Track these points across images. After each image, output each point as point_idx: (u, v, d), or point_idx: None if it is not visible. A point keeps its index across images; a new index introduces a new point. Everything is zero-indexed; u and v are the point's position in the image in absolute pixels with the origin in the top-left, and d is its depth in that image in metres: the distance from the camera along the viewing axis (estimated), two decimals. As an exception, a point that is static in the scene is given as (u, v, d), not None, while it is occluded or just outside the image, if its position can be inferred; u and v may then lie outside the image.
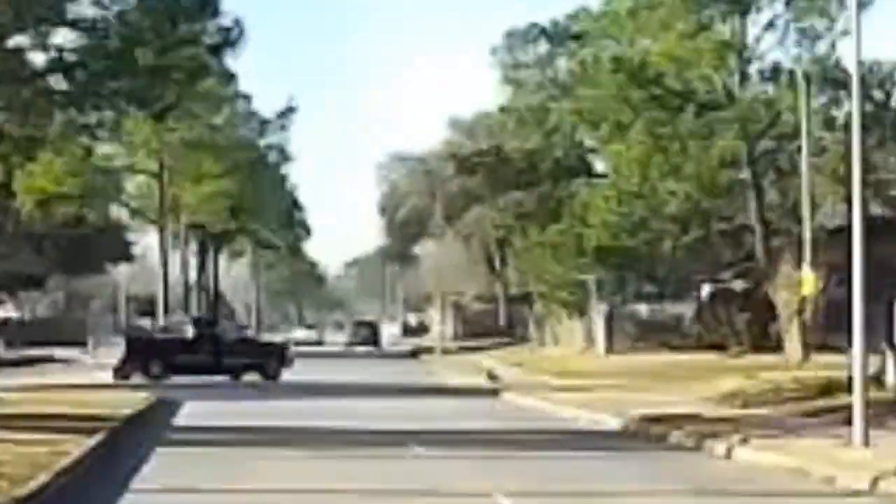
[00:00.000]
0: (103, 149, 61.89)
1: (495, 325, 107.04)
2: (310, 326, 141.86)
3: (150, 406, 33.66)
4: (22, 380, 46.39)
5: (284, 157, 79.09)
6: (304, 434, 26.50)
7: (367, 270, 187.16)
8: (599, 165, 71.33)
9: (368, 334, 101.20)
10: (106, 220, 73.60)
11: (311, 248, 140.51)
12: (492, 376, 52.07)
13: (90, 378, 48.67)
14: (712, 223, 58.12)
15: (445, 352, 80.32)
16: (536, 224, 68.27)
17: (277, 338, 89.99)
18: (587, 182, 67.91)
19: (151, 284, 76.49)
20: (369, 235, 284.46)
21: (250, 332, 57.57)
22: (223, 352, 47.89)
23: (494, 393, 41.90)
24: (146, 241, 75.86)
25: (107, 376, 48.16)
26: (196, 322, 51.06)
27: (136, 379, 46.92)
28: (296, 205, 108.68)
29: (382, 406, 36.10)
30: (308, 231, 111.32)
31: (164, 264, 65.78)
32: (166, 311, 73.56)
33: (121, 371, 47.78)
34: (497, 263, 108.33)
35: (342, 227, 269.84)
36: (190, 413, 32.71)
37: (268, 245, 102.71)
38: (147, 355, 47.68)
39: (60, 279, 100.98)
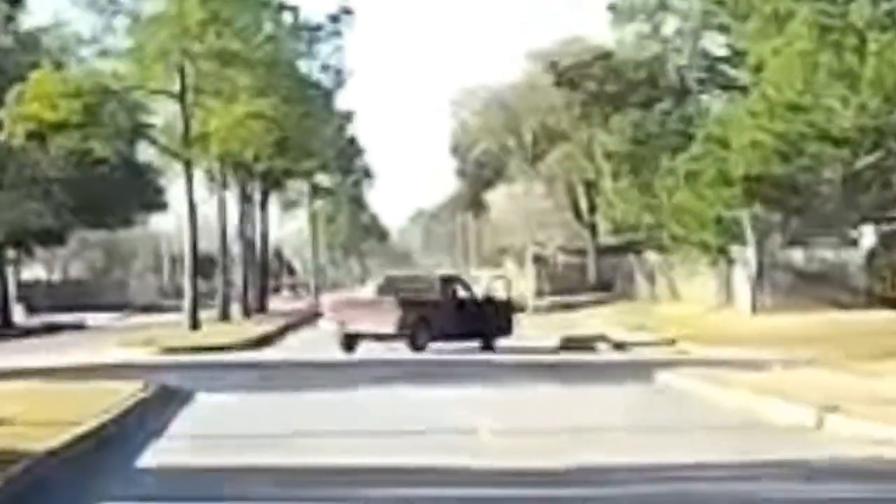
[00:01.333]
0: (107, 65, 49.77)
1: (583, 279, 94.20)
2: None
3: (138, 406, 21.42)
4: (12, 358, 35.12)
5: (339, 80, 65.75)
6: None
7: (434, 223, 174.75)
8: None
9: None
10: (127, 160, 61.33)
11: (374, 198, 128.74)
12: (618, 345, 39.67)
13: (102, 355, 37.25)
14: (891, 144, 45.05)
15: (537, 310, 67.81)
16: (658, 151, 55.19)
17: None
18: (724, 95, 54.94)
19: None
20: (435, 185, 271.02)
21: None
22: (471, 313, 39.57)
23: (637, 370, 29.28)
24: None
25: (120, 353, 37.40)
26: (444, 280, 42.22)
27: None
28: (353, 144, 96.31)
29: (500, 400, 23.84)
30: (369, 175, 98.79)
31: (192, 210, 52.89)
32: (224, 270, 61.46)
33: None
34: (584, 210, 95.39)
35: (406, 175, 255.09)
36: (196, 419, 20.57)
37: (325, 191, 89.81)
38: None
39: (87, 234, 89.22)
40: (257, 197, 68.33)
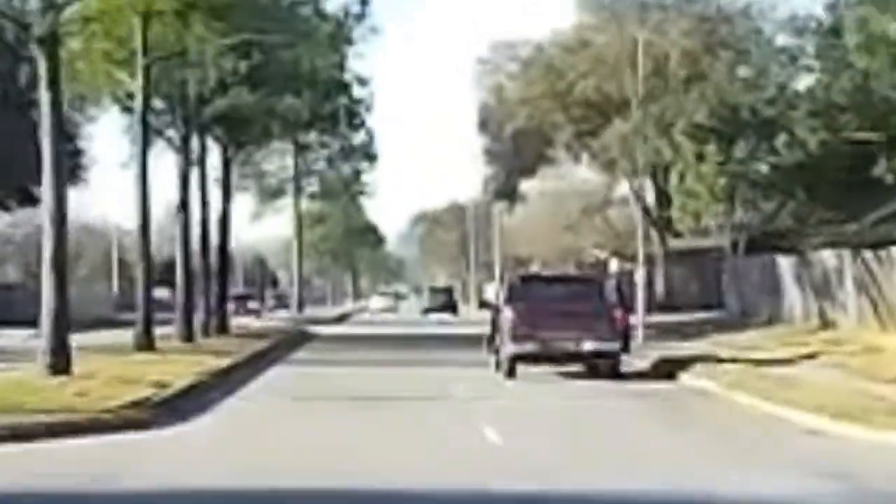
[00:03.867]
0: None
1: (649, 294, 72.93)
2: (385, 294, 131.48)
3: None
4: None
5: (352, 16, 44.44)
6: None
7: (436, 228, 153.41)
8: None
9: (445, 300, 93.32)
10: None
11: (370, 200, 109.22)
12: None
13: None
14: None
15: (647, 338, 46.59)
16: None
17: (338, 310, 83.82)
18: None
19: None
20: (441, 185, 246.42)
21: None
22: None
23: None
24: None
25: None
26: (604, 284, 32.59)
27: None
28: (357, 117, 74.94)
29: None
30: (371, 159, 77.35)
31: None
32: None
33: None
34: (652, 205, 74.12)
35: (407, 173, 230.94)
36: None
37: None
38: None
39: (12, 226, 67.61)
40: (213, 163, 46.70)
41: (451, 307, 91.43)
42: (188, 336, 40.11)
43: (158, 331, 36.85)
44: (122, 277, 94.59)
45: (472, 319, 78.35)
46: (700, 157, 65.96)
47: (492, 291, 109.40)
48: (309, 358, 36.86)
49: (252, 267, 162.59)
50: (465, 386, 26.51)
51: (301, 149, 77.56)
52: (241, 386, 27.24)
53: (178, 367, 27.70)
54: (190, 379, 25.64)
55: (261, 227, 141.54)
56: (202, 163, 42.88)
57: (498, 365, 29.70)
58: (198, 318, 43.43)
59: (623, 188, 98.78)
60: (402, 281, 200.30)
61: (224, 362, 31.01)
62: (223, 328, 47.11)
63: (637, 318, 40.65)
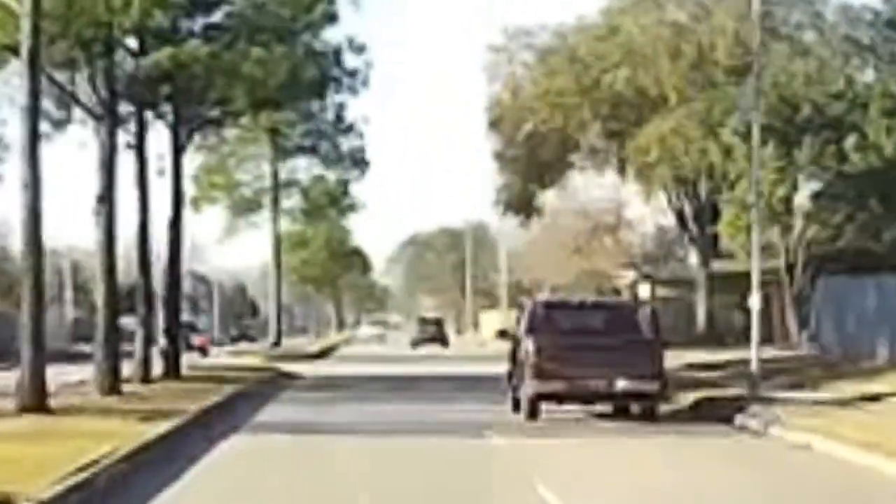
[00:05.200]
0: None
1: (688, 326, 62.03)
2: (376, 323, 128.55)
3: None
4: None
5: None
6: None
7: (427, 253, 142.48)
8: None
9: (435, 332, 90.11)
10: None
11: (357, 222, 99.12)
12: None
13: None
14: None
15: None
16: None
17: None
18: None
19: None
20: (430, 207, 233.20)
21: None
22: None
23: None
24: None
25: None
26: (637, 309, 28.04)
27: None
28: (343, 121, 64.02)
29: None
30: (363, 165, 66.16)
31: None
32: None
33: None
34: (690, 220, 63.06)
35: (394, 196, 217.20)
36: None
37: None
38: None
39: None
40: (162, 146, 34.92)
41: (441, 339, 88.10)
42: (112, 385, 28.85)
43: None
44: (78, 303, 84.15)
45: (470, 354, 67.22)
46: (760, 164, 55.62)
47: (496, 321, 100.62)
48: (286, 419, 25.53)
49: (232, 295, 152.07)
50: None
51: (280, 152, 66.42)
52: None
53: (52, 450, 16.30)
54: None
55: (240, 254, 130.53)
56: (140, 148, 31.53)
57: (517, 405, 26.12)
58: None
59: (636, 208, 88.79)
60: (386, 310, 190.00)
61: (144, 434, 19.64)
62: (173, 370, 35.71)
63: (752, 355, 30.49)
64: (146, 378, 31.86)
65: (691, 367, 42.84)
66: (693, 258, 76.93)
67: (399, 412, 26.81)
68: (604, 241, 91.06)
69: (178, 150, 35.18)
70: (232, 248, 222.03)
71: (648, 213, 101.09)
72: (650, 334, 25.78)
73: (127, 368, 31.01)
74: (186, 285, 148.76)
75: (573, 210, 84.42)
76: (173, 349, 35.72)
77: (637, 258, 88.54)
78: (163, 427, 20.75)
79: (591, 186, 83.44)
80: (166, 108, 33.90)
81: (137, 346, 32.26)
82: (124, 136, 32.70)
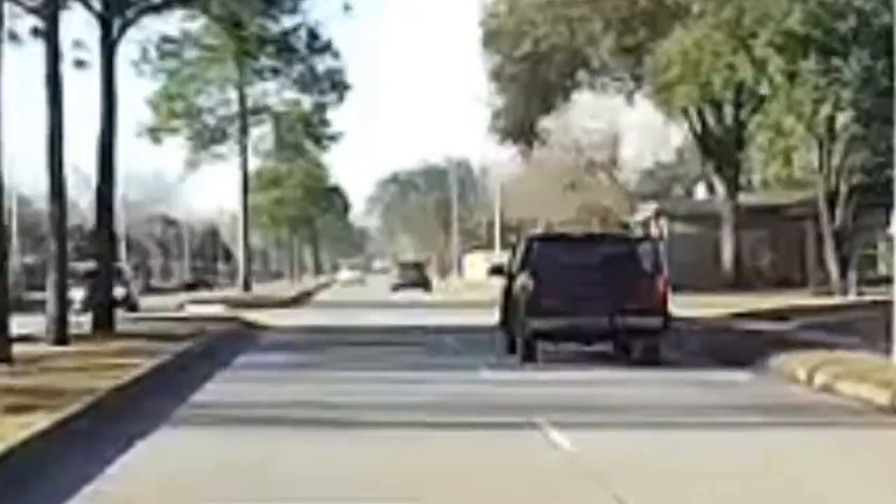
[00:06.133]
0: None
1: (715, 268, 54.84)
2: (355, 267, 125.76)
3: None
4: None
5: None
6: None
7: (410, 192, 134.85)
8: None
9: (417, 276, 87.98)
10: None
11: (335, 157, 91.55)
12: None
13: None
14: None
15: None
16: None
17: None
18: None
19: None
20: (416, 139, 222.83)
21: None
22: None
23: None
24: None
25: None
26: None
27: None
28: (319, 40, 56.36)
29: None
30: (342, 88, 58.52)
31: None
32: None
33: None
34: (713, 145, 55.62)
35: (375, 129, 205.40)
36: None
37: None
38: None
39: None
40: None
41: (423, 284, 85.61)
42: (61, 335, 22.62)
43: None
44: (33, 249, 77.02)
45: (454, 300, 59.73)
46: (793, 78, 48.64)
47: (481, 263, 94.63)
48: (233, 401, 18.10)
49: (203, 239, 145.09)
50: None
51: (248, 74, 58.71)
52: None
53: None
54: None
55: (214, 196, 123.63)
56: (51, 36, 23.77)
57: (512, 346, 25.18)
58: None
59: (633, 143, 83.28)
60: (365, 254, 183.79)
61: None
62: (104, 324, 28.17)
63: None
64: (61, 338, 24.35)
65: (740, 317, 35.58)
66: (702, 192, 70.01)
67: (374, 387, 19.61)
68: (598, 177, 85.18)
69: (110, 47, 27.49)
70: (205, 191, 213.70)
71: (648, 147, 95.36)
72: (652, 268, 24.66)
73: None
74: (157, 229, 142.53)
75: (564, 145, 78.27)
76: (104, 298, 28.18)
77: (635, 196, 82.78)
78: (28, 430, 13.19)
79: (585, 119, 77.48)
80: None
81: (49, 295, 24.71)
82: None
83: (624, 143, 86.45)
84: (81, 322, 28.72)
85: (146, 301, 52.31)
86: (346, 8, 36.25)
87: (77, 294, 30.43)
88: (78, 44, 26.55)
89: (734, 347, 26.00)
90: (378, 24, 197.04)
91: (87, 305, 28.88)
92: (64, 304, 24.74)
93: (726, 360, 24.07)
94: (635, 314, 23.74)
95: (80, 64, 26.76)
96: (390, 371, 22.48)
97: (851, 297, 44.74)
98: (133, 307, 42.63)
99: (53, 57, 23.98)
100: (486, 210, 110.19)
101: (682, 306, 38.91)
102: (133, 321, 34.24)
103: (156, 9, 28.27)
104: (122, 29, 27.81)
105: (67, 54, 26.01)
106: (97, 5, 27.24)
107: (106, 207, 28.49)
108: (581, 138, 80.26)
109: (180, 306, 50.04)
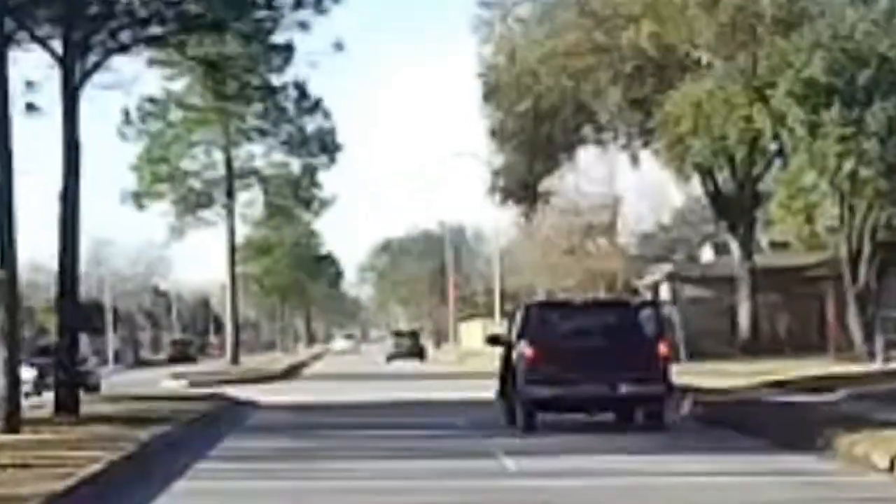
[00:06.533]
0: None
1: (729, 332, 51.72)
2: (349, 337, 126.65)
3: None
4: None
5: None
6: None
7: (402, 259, 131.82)
8: None
9: (412, 345, 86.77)
10: None
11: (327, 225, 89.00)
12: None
13: None
14: None
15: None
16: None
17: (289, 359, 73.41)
18: None
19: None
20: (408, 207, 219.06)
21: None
22: None
23: None
24: None
25: None
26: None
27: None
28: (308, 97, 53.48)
29: None
30: (333, 150, 55.66)
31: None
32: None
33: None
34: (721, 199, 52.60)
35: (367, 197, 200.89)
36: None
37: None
38: None
39: None
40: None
41: (418, 353, 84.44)
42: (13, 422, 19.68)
43: None
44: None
45: (451, 371, 56.35)
46: (814, 130, 45.73)
47: (478, 331, 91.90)
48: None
49: (194, 310, 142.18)
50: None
51: (234, 135, 55.87)
52: None
53: None
54: None
55: (205, 268, 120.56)
56: None
57: (511, 416, 24.24)
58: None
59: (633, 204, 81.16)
60: (358, 323, 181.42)
61: None
62: (68, 406, 24.88)
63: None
64: (11, 424, 21.05)
65: (771, 386, 32.41)
66: (708, 254, 67.20)
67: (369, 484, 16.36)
68: (597, 241, 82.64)
69: (72, 91, 24.37)
70: (197, 261, 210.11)
71: (647, 209, 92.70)
72: (654, 334, 24.07)
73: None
74: (146, 301, 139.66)
75: (562, 207, 75.75)
76: (65, 378, 24.89)
77: (638, 260, 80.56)
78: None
79: (582, 181, 74.92)
80: (48, 28, 23.18)
81: (-2, 377, 21.44)
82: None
83: (622, 205, 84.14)
84: (44, 402, 25.46)
85: (130, 376, 49.31)
86: (339, 47, 33.01)
87: (27, 374, 27.12)
88: (31, 85, 23.51)
89: (784, 425, 22.75)
90: (372, 84, 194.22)
91: (38, 388, 25.62)
92: (16, 384, 21.50)
93: (782, 443, 20.77)
94: (636, 382, 23.37)
95: (30, 107, 23.69)
96: (390, 461, 19.16)
97: (878, 364, 41.60)
98: (92, 388, 36.91)
99: (2, 100, 20.87)
100: (482, 278, 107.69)
101: (702, 375, 36.12)
102: (108, 400, 30.98)
103: (123, 49, 25.12)
104: (87, 74, 24.72)
105: (22, 99, 22.98)
106: (57, 47, 24.16)
107: (69, 273, 25.27)
108: (580, 201, 77.98)
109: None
